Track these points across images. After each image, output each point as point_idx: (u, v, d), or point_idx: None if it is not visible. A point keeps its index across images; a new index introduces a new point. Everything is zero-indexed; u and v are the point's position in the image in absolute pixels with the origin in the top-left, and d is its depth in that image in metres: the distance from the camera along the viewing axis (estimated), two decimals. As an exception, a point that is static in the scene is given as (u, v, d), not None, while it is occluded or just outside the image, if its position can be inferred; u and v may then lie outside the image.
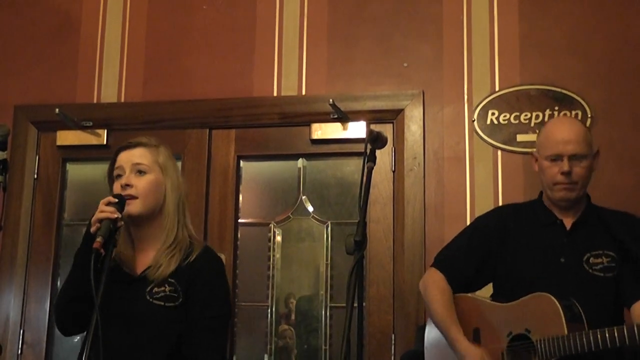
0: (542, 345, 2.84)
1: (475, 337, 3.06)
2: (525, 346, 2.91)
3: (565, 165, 3.02)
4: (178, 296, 2.71)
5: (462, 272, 3.19)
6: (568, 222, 3.11)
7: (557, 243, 3.09)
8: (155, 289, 2.70)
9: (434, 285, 3.18)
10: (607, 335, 2.69)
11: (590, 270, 3.01)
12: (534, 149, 3.24)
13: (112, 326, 2.61)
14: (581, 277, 3.01)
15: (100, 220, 2.55)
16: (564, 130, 3.09)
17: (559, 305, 2.83)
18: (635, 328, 2.66)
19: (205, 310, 2.73)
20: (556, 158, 3.05)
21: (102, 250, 2.46)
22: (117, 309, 2.66)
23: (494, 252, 3.17)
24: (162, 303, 2.69)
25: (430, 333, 3.24)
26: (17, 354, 4.36)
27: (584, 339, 2.73)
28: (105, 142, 4.49)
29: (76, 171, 4.67)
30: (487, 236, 3.21)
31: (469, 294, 3.19)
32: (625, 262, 3.02)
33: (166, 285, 2.71)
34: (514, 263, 3.12)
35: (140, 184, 2.74)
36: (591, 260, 3.03)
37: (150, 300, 2.69)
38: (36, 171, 4.56)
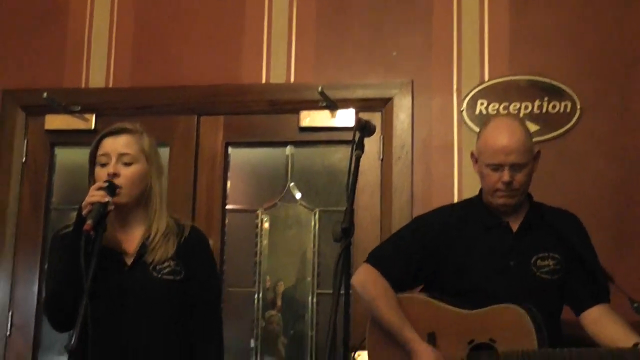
0: (509, 357, 2.80)
1: (429, 341, 2.97)
2: (488, 356, 2.89)
3: (505, 176, 2.96)
4: (181, 270, 2.78)
5: (399, 274, 3.11)
6: (514, 225, 3.08)
7: (505, 246, 3.05)
8: (159, 266, 2.74)
9: (375, 284, 3.10)
10: (576, 356, 2.71)
11: (538, 273, 3.01)
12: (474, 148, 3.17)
13: (110, 308, 2.65)
14: (529, 280, 3.00)
15: (91, 204, 2.56)
16: (504, 138, 2.98)
17: (529, 319, 2.81)
18: (617, 353, 2.70)
19: (205, 283, 2.87)
20: (497, 167, 2.98)
21: (92, 233, 2.48)
22: (115, 290, 2.69)
23: (436, 255, 3.10)
24: (172, 277, 2.76)
25: (372, 334, 3.16)
26: (6, 336, 4.37)
27: (553, 358, 2.74)
28: (93, 127, 4.47)
29: (64, 156, 4.66)
30: (430, 238, 3.13)
31: (421, 296, 3.12)
32: (571, 265, 3.03)
33: (170, 261, 2.76)
34: (461, 266, 3.06)
35: (127, 174, 2.76)
36: (538, 262, 3.02)
37: (159, 276, 2.74)
38: (24, 155, 4.55)
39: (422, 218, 3.31)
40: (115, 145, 2.79)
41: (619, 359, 2.72)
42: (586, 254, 3.03)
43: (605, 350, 2.76)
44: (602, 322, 2.95)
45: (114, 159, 2.76)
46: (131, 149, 2.79)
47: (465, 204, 3.33)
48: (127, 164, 2.77)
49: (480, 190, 3.20)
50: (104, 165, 2.77)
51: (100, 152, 2.80)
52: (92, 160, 2.82)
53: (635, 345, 2.73)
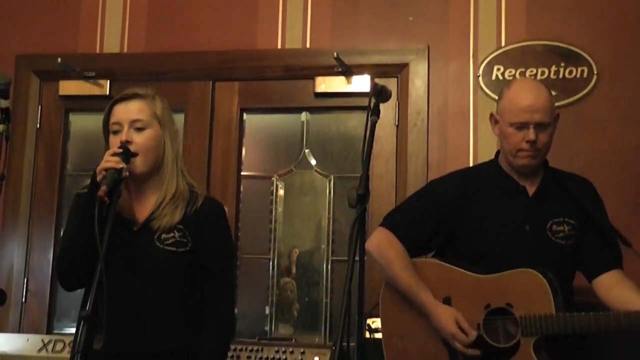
0: (526, 322, 2.83)
1: None
2: (505, 320, 2.90)
3: (531, 134, 2.93)
4: (187, 241, 2.74)
5: (414, 238, 3.11)
6: (530, 189, 3.06)
7: (521, 210, 3.03)
8: (164, 236, 2.71)
9: (391, 248, 3.09)
10: (594, 321, 2.75)
11: (553, 238, 3.00)
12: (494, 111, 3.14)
13: (119, 275, 2.63)
14: (545, 245, 2.99)
15: (106, 170, 2.54)
16: (530, 97, 2.97)
17: (547, 283, 2.82)
18: (635, 317, 2.72)
19: (219, 252, 2.83)
20: (521, 126, 2.96)
21: (106, 199, 2.46)
22: (123, 257, 2.67)
23: (449, 220, 3.08)
24: (174, 248, 2.72)
25: (386, 300, 3.16)
26: (22, 302, 4.42)
27: (570, 322, 2.77)
28: (108, 93, 4.46)
29: (79, 122, 4.66)
30: (445, 202, 3.11)
31: (436, 260, 3.12)
32: (585, 231, 3.02)
33: (175, 232, 2.73)
34: (476, 230, 3.05)
35: (140, 140, 2.71)
36: (554, 228, 3.01)
37: (161, 246, 2.70)
38: (39, 121, 4.56)
39: (437, 181, 3.30)
40: (126, 111, 2.75)
41: (637, 322, 2.72)
42: (601, 219, 3.02)
43: (624, 314, 2.75)
44: (616, 288, 2.94)
45: (126, 126, 2.72)
46: (143, 115, 2.75)
47: (480, 167, 3.31)
48: (140, 129, 2.73)
49: (496, 154, 3.19)
50: (116, 132, 2.74)
51: (112, 119, 2.76)
52: (106, 128, 2.80)
53: None
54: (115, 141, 2.71)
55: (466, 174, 3.26)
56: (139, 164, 2.70)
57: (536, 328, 2.82)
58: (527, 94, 2.99)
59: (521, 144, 2.97)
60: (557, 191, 3.07)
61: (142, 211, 2.77)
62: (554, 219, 3.02)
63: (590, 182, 3.15)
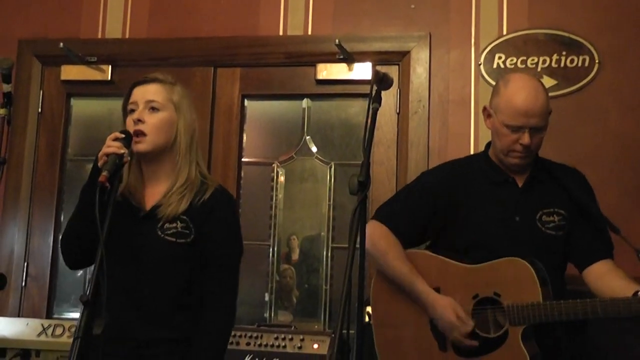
0: (514, 311, 2.84)
1: None
2: (493, 310, 2.91)
3: (526, 138, 2.91)
4: (190, 233, 2.72)
5: (407, 230, 3.12)
6: (520, 180, 3.06)
7: (511, 201, 3.03)
8: (167, 225, 2.70)
9: (383, 239, 3.09)
10: (580, 308, 2.76)
11: (543, 229, 3.00)
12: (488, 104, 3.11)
13: (120, 260, 2.64)
14: (535, 235, 2.99)
15: (107, 155, 2.55)
16: (528, 101, 2.92)
17: (534, 272, 2.83)
18: (621, 302, 2.73)
19: (221, 247, 2.77)
20: (517, 129, 2.93)
21: (107, 185, 2.46)
22: (126, 243, 2.68)
23: (441, 212, 3.09)
24: (174, 239, 2.69)
25: (378, 288, 3.18)
26: (21, 287, 4.42)
27: (557, 310, 2.78)
28: (109, 78, 4.48)
29: (80, 107, 4.67)
30: (435, 195, 3.10)
31: (426, 251, 3.12)
32: (575, 220, 3.02)
33: (178, 222, 2.71)
34: (467, 221, 3.05)
35: (151, 121, 2.72)
36: (544, 218, 3.00)
37: (162, 235, 2.69)
38: (40, 105, 4.56)
39: (429, 174, 3.32)
40: (144, 93, 2.77)
41: (623, 307, 2.73)
42: (592, 208, 3.01)
43: (610, 300, 2.76)
44: (605, 277, 2.94)
45: (141, 106, 2.74)
46: (159, 97, 2.77)
47: (470, 160, 3.30)
48: (154, 110, 2.74)
49: (486, 146, 3.19)
50: (132, 112, 2.77)
51: (130, 100, 2.79)
52: (125, 109, 2.82)
53: (636, 293, 2.73)
54: (129, 121, 2.74)
55: (456, 165, 3.26)
56: (144, 143, 2.70)
57: (524, 317, 2.82)
58: (525, 95, 2.94)
59: (514, 145, 2.96)
60: (547, 181, 3.07)
61: (152, 198, 2.76)
62: (543, 210, 3.02)
63: (581, 172, 3.14)
